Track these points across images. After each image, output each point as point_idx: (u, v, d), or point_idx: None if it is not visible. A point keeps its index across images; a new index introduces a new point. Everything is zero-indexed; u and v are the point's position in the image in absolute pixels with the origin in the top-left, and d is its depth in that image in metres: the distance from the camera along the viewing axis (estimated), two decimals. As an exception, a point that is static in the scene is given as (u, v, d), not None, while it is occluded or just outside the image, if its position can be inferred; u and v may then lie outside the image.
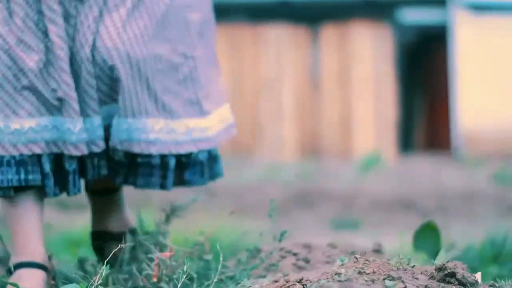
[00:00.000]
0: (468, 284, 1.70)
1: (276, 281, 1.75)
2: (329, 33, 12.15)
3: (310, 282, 1.66)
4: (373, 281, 1.60)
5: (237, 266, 2.10)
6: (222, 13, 11.86)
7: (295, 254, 2.12)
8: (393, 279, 1.62)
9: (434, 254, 2.49)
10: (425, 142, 13.86)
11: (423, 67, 14.06)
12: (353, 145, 11.95)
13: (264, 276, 2.00)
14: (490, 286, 1.80)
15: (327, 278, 1.63)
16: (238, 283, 1.84)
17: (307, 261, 2.09)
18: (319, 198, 7.01)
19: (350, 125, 12.00)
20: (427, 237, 2.53)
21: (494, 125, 11.76)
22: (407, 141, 13.03)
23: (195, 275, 1.83)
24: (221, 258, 1.84)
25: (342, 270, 1.66)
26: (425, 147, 13.56)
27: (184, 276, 1.68)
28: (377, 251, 2.22)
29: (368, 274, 1.66)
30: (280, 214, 6.55)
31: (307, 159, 11.23)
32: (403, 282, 1.60)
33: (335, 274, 1.63)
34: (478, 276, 1.86)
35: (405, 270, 1.68)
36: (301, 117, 12.04)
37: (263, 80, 12.05)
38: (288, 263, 2.08)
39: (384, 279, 1.62)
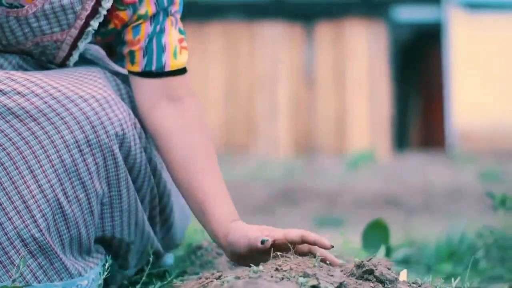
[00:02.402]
0: (386, 281, 1.71)
1: (200, 278, 1.78)
2: (324, 31, 12.16)
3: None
4: (288, 278, 1.62)
5: (176, 264, 2.12)
6: (218, 11, 11.89)
7: (231, 252, 2.13)
8: (307, 276, 1.63)
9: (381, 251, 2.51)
10: (420, 140, 13.86)
11: (418, 65, 14.06)
12: (348, 143, 11.95)
13: (197, 273, 2.02)
14: (413, 283, 1.81)
15: (243, 276, 1.65)
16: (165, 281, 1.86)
17: (242, 258, 2.10)
18: (305, 195, 7.01)
19: (345, 123, 12.01)
20: (375, 234, 2.54)
21: (488, 123, 11.76)
22: (402, 139, 13.03)
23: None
24: (150, 259, 1.86)
25: (260, 267, 1.68)
26: (420, 145, 13.56)
27: (105, 274, 1.70)
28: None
29: (285, 271, 1.68)
30: (264, 211, 6.57)
31: (301, 157, 11.24)
32: (317, 279, 1.62)
33: (251, 271, 1.65)
34: (403, 274, 1.87)
35: (321, 267, 1.69)
36: (295, 114, 12.05)
37: (258, 78, 12.07)
38: (224, 260, 2.09)
39: (299, 276, 1.64)
